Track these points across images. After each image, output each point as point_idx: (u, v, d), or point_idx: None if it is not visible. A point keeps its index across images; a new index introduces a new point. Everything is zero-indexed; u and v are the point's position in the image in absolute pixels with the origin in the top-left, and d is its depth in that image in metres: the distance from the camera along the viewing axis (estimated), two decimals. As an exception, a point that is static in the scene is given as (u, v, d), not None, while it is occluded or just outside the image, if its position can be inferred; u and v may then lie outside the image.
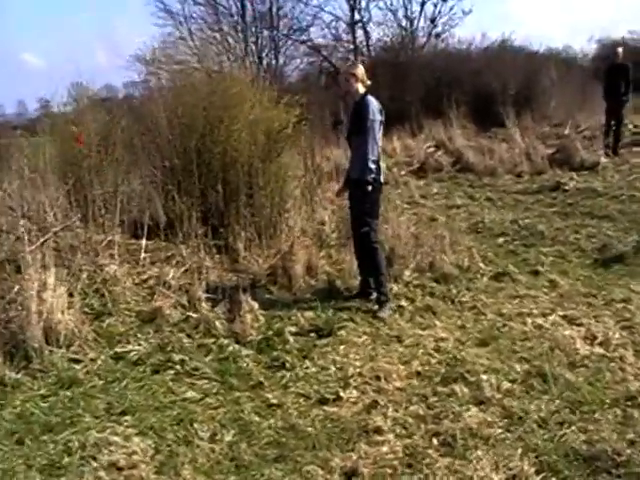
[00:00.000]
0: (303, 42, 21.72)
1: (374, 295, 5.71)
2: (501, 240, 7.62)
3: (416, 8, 21.67)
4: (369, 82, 5.71)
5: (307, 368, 4.59)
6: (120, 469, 3.54)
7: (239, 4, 21.06)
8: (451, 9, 21.21)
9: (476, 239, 7.60)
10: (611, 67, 12.77)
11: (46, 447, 3.77)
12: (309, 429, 3.86)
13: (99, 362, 4.81)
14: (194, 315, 5.47)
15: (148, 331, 5.26)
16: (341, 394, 4.17)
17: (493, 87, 18.07)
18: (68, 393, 4.41)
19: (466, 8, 21.31)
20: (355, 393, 4.22)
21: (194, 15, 21.36)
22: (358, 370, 4.49)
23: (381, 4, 21.98)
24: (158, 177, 7.01)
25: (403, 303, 5.65)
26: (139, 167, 7.34)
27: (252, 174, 6.87)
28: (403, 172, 12.34)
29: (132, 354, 4.92)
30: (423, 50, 20.99)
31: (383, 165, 5.77)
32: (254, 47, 21.48)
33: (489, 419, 3.74)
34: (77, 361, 4.83)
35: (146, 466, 3.56)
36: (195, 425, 3.92)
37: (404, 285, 6.09)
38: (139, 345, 5.05)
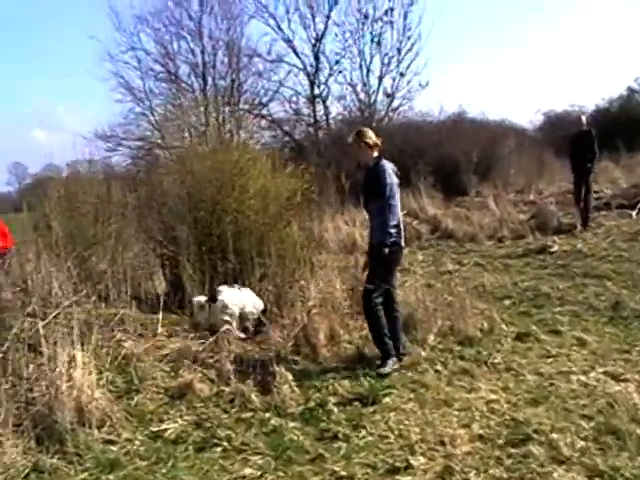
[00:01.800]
0: (264, 117, 21.98)
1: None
2: (507, 302, 7.63)
3: (374, 82, 22.27)
4: (379, 143, 5.64)
5: (363, 437, 4.40)
6: None
7: (201, 80, 21.32)
8: (409, 82, 21.87)
9: (482, 303, 7.57)
10: (577, 135, 12.45)
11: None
12: (387, 500, 3.66)
13: (137, 442, 4.52)
14: (226, 389, 5.23)
15: (180, 408, 4.99)
16: (411, 462, 3.99)
17: (455, 157, 18.59)
18: (112, 477, 4.11)
19: (423, 82, 21.96)
20: (423, 460, 4.05)
21: (155, 91, 21.51)
22: (419, 436, 4.32)
23: (340, 78, 22.26)
24: (163, 249, 6.80)
25: (438, 367, 5.54)
26: (144, 239, 7.13)
27: (264, 243, 6.76)
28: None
29: (169, 432, 4.65)
30: (382, 123, 21.44)
31: (402, 227, 5.71)
32: (215, 122, 21.60)
33: (578, 478, 3.62)
34: (111, 442, 4.52)
35: None
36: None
37: (430, 349, 6.00)
38: (175, 422, 4.77)
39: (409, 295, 7.30)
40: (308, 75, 22.61)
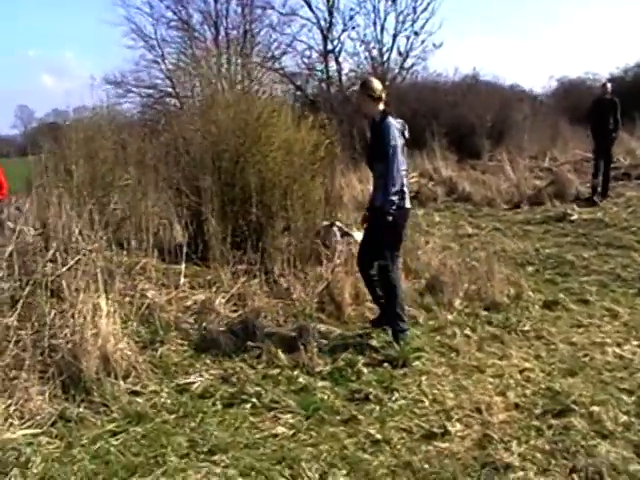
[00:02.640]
0: (276, 70, 21.54)
1: (388, 328, 5.30)
2: (531, 269, 7.50)
3: (387, 39, 21.79)
4: (384, 96, 5.24)
5: (396, 401, 4.29)
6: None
7: (213, 29, 20.85)
8: (423, 42, 21.37)
9: (506, 268, 7.43)
10: (599, 102, 11.92)
11: (141, 491, 3.38)
12: (426, 466, 3.57)
13: (163, 395, 4.42)
14: (252, 344, 5.12)
15: (205, 361, 4.90)
16: (448, 428, 3.89)
17: (469, 120, 18.30)
18: (139, 429, 4.01)
19: (436, 42, 21.47)
20: (460, 426, 3.95)
21: (167, 39, 21.05)
22: (454, 402, 4.23)
23: (353, 34, 21.73)
24: (185, 199, 6.62)
25: (467, 332, 5.43)
26: (163, 188, 6.96)
27: (287, 196, 6.58)
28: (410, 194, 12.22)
29: (195, 386, 4.54)
30: (395, 82, 21.05)
31: (407, 191, 5.32)
32: (226, 73, 21.19)
33: (625, 454, 3.52)
34: (137, 393, 4.43)
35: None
36: (302, 464, 3.57)
37: (457, 314, 5.89)
38: (200, 376, 4.67)
39: (431, 257, 7.21)
40: (321, 30, 22.11)
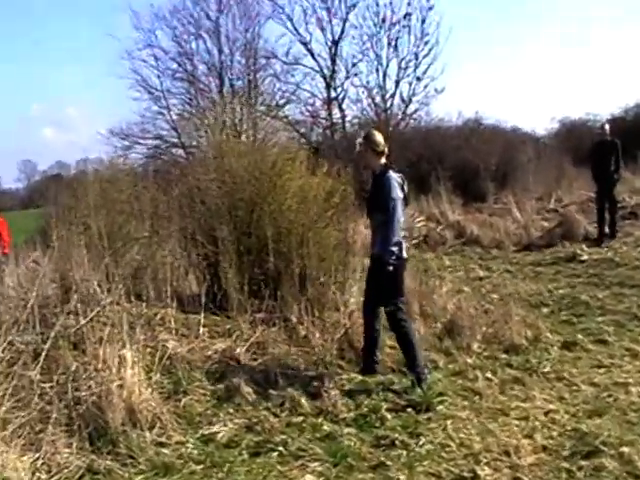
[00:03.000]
0: (280, 118, 21.90)
1: (410, 375, 5.26)
2: (545, 310, 7.52)
3: (390, 86, 22.17)
4: (386, 150, 5.39)
5: (423, 445, 4.28)
6: None
7: (217, 80, 21.26)
8: (425, 87, 21.74)
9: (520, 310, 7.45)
10: (599, 144, 11.88)
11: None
12: (460, 511, 3.55)
13: (189, 445, 4.41)
14: (274, 392, 5.13)
15: (229, 410, 4.89)
16: (478, 472, 3.88)
17: (474, 163, 18.53)
18: (168, 481, 4.00)
19: (439, 86, 21.85)
20: (489, 470, 3.94)
21: (172, 90, 21.47)
22: (482, 446, 4.22)
23: (356, 81, 22.17)
24: (202, 248, 6.70)
25: (488, 375, 5.43)
26: (179, 238, 7.04)
27: (303, 244, 6.65)
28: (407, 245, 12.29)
29: (220, 435, 4.54)
30: (399, 127, 21.37)
31: (405, 244, 5.46)
32: (230, 123, 21.54)
33: (659, 495, 3.51)
34: (163, 444, 4.42)
35: None
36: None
37: (476, 357, 5.90)
38: (225, 425, 4.66)
39: (447, 301, 7.23)
40: (324, 77, 22.65)
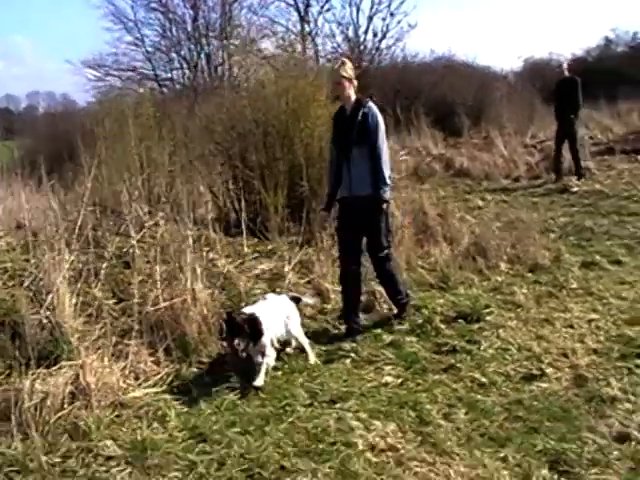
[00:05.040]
0: (254, 53, 21.59)
1: (396, 311, 5.27)
2: (553, 236, 7.88)
3: (363, 21, 22.09)
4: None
5: (484, 350, 4.62)
6: (382, 450, 3.47)
7: (191, 12, 20.78)
8: (399, 22, 21.73)
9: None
10: (560, 83, 11.86)
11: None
12: (535, 403, 3.90)
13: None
14: (328, 306, 5.41)
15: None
16: (545, 370, 4.24)
17: (449, 99, 18.73)
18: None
19: (412, 22, 21.86)
20: (552, 369, 4.30)
21: (147, 21, 20.94)
22: (539, 349, 4.57)
23: (329, 16, 22.03)
24: (238, 172, 6.83)
25: (524, 291, 5.78)
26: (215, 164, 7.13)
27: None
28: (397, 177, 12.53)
29: (293, 345, 4.79)
30: (373, 63, 21.38)
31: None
32: (205, 57, 21.21)
33: None
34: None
35: (405, 445, 3.50)
36: (424, 406, 3.88)
37: (505, 275, 6.25)
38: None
39: (461, 225, 7.56)
40: (298, 11, 22.35)
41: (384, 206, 4.96)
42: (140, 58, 20.63)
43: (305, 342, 4.67)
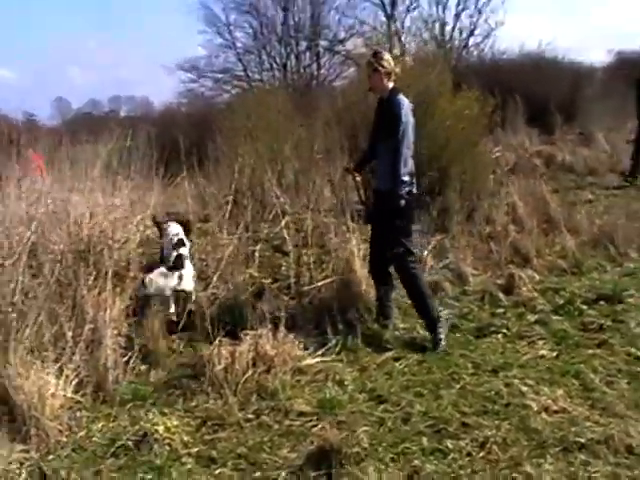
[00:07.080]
0: (342, 53, 22.04)
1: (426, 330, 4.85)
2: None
3: (449, 19, 22.26)
4: (397, 71, 4.89)
5: (634, 329, 4.79)
6: (555, 412, 3.71)
7: (282, 14, 21.37)
8: (486, 20, 21.81)
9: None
10: None
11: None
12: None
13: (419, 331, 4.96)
14: (469, 288, 5.69)
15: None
16: None
17: (541, 96, 18.62)
18: (415, 356, 4.56)
19: (499, 20, 21.88)
20: None
21: (239, 24, 21.69)
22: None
23: (416, 15, 22.30)
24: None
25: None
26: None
27: (458, 160, 7.10)
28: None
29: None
30: (461, 62, 21.45)
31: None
32: (294, 57, 21.76)
33: None
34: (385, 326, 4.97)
35: (577, 408, 3.73)
36: (588, 375, 4.10)
37: (636, 262, 6.36)
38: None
39: (581, 216, 7.67)
40: (385, 11, 22.67)
41: (401, 203, 4.71)
42: (231, 60, 21.39)
43: None
